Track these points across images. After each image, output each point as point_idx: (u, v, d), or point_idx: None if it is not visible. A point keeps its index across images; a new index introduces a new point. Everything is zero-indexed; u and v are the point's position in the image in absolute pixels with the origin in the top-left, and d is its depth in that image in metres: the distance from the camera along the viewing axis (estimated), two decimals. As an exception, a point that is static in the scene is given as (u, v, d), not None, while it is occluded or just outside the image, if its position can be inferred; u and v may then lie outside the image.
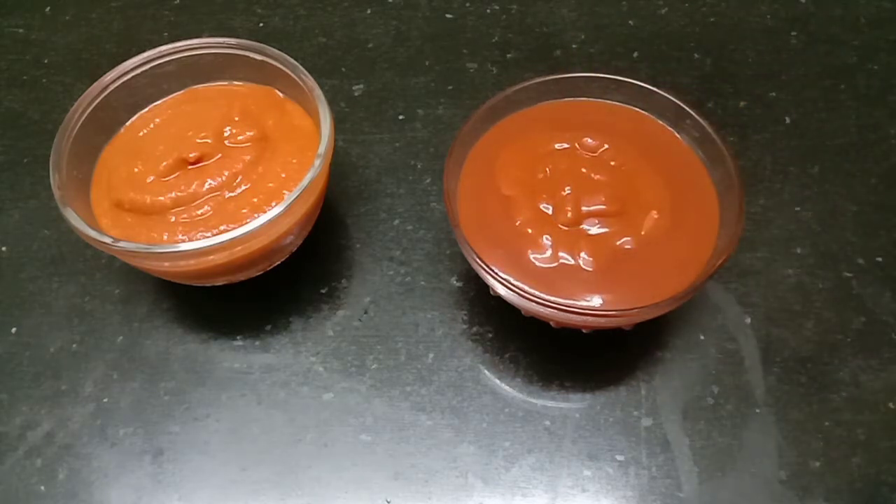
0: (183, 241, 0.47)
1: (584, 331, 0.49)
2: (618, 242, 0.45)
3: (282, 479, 0.46)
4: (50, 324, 0.52)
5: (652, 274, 0.44)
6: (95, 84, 0.51)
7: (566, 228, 0.45)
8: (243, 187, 0.49)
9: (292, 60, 0.51)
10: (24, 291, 0.54)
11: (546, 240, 0.45)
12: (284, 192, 0.48)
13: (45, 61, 0.67)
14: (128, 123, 0.53)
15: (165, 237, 0.47)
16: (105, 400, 0.49)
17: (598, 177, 0.47)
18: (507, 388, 0.49)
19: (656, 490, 0.45)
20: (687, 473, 0.45)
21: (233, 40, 0.53)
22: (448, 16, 0.68)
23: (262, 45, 0.52)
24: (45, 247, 0.56)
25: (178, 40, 0.53)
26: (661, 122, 0.50)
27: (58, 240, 0.56)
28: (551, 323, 0.47)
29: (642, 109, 0.50)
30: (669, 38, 0.65)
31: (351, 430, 0.48)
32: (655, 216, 0.46)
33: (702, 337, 0.50)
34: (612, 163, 0.48)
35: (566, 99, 0.51)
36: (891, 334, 0.50)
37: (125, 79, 0.52)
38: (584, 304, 0.43)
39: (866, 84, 0.62)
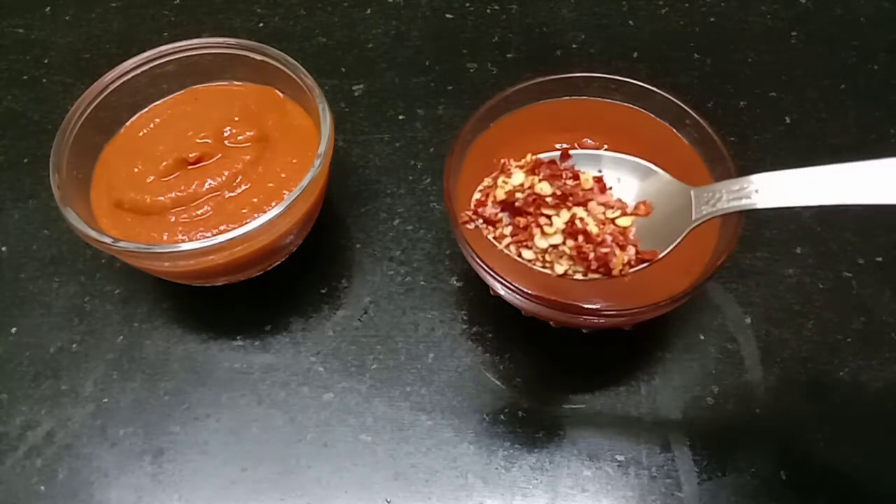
0: (183, 241, 0.47)
1: (584, 331, 0.49)
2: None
3: (282, 479, 0.46)
4: (50, 324, 0.52)
5: (652, 274, 0.44)
6: (95, 84, 0.51)
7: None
8: (243, 187, 0.49)
9: (292, 60, 0.51)
10: (24, 291, 0.54)
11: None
12: (284, 192, 0.48)
13: (45, 61, 0.67)
14: (128, 123, 0.53)
15: (165, 237, 0.47)
16: (105, 400, 0.49)
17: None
18: (507, 388, 0.49)
19: (656, 490, 0.45)
20: (687, 473, 0.45)
21: (233, 40, 0.53)
22: (448, 16, 0.68)
23: (262, 45, 0.52)
24: (45, 247, 0.56)
25: (178, 40, 0.53)
26: (661, 122, 0.50)
27: (58, 240, 0.56)
28: (551, 323, 0.47)
29: (642, 109, 0.50)
30: (669, 38, 0.65)
31: (351, 430, 0.48)
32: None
33: (702, 337, 0.50)
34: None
35: (566, 98, 0.51)
36: (891, 334, 0.50)
37: (125, 79, 0.52)
38: (584, 304, 0.43)
39: (866, 84, 0.62)
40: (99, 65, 0.65)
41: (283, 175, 0.49)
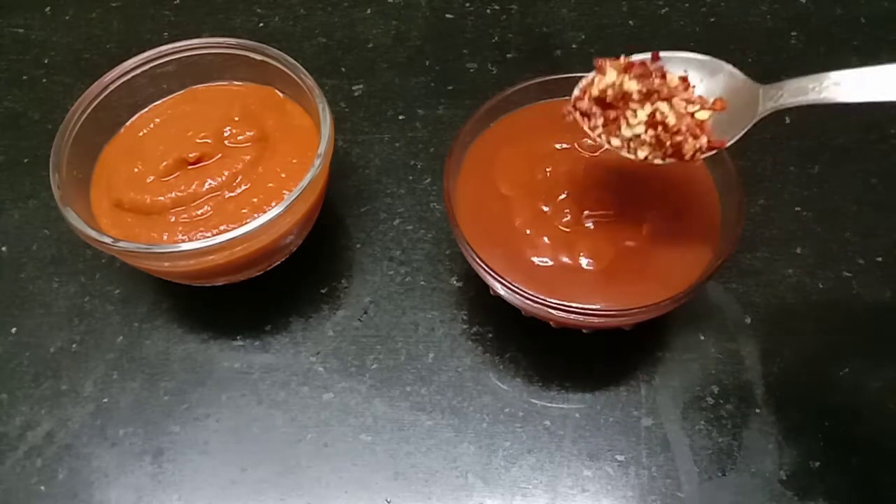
0: (183, 241, 0.47)
1: (584, 331, 0.49)
2: (618, 243, 0.45)
3: (282, 479, 0.46)
4: (50, 324, 0.52)
5: (652, 274, 0.44)
6: (95, 84, 0.51)
7: (566, 229, 0.45)
8: (243, 187, 0.49)
9: (292, 60, 0.51)
10: (24, 291, 0.54)
11: (546, 240, 0.45)
12: (284, 192, 0.48)
13: (45, 61, 0.67)
14: (128, 123, 0.53)
15: (165, 237, 0.47)
16: (105, 400, 0.49)
17: (598, 177, 0.47)
18: (507, 388, 0.49)
19: (656, 490, 0.45)
20: (687, 473, 0.45)
21: (233, 40, 0.53)
22: (448, 16, 0.68)
23: (262, 45, 0.52)
24: (45, 247, 0.56)
25: (178, 40, 0.53)
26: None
27: (58, 240, 0.56)
28: (551, 323, 0.47)
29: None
30: (669, 38, 0.65)
31: (351, 430, 0.48)
32: (656, 217, 0.46)
33: (702, 337, 0.50)
34: (613, 163, 0.48)
35: (566, 98, 0.51)
36: (891, 334, 0.50)
37: (125, 79, 0.52)
38: (584, 304, 0.43)
39: (866, 84, 0.62)
40: (99, 65, 0.65)
41: (283, 175, 0.49)
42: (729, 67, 0.44)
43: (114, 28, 0.69)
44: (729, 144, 0.42)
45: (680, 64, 0.44)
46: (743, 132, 0.42)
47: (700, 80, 0.44)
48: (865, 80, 0.36)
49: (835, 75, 0.37)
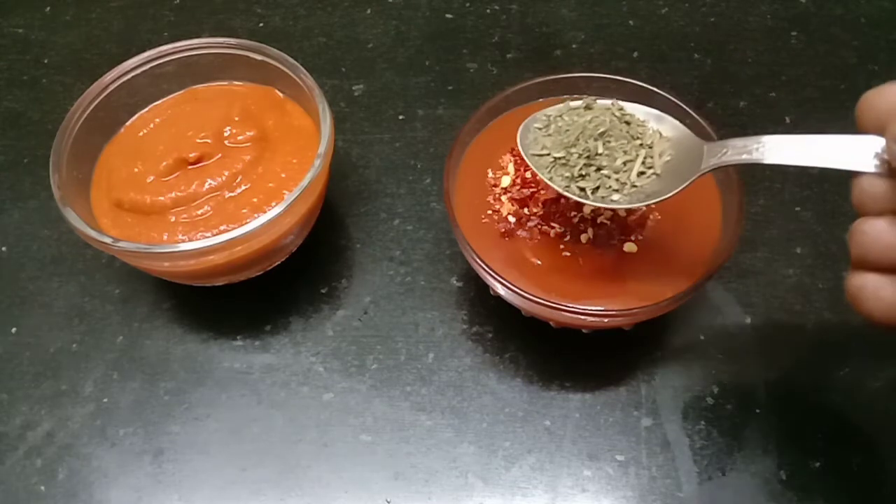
0: (183, 241, 0.47)
1: (584, 331, 0.49)
2: (618, 243, 0.45)
3: (282, 479, 0.46)
4: (50, 324, 0.52)
5: (652, 274, 0.44)
6: (95, 84, 0.51)
7: (566, 229, 0.45)
8: (243, 187, 0.49)
9: (292, 60, 0.51)
10: (24, 291, 0.54)
11: (546, 240, 0.45)
12: (284, 192, 0.48)
13: (45, 61, 0.67)
14: (128, 123, 0.53)
15: (165, 237, 0.47)
16: (105, 400, 0.49)
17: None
18: (507, 388, 0.49)
19: (656, 490, 0.45)
20: (687, 473, 0.45)
21: (233, 40, 0.53)
22: (448, 16, 0.68)
23: (262, 45, 0.52)
24: (45, 247, 0.56)
25: (178, 40, 0.53)
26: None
27: (58, 240, 0.56)
28: (551, 323, 0.47)
29: (642, 109, 0.50)
30: (669, 38, 0.65)
31: (351, 430, 0.48)
32: (656, 217, 0.46)
33: (702, 337, 0.50)
34: (612, 163, 0.48)
35: (566, 98, 0.51)
36: (890, 334, 0.50)
37: (125, 79, 0.52)
38: (584, 304, 0.43)
39: (866, 84, 0.61)
40: (99, 65, 0.64)
41: (283, 175, 0.49)
42: (672, 120, 0.43)
43: (114, 28, 0.69)
44: (668, 197, 0.41)
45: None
46: (684, 185, 0.40)
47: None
48: (801, 146, 0.36)
49: (774, 140, 0.36)
